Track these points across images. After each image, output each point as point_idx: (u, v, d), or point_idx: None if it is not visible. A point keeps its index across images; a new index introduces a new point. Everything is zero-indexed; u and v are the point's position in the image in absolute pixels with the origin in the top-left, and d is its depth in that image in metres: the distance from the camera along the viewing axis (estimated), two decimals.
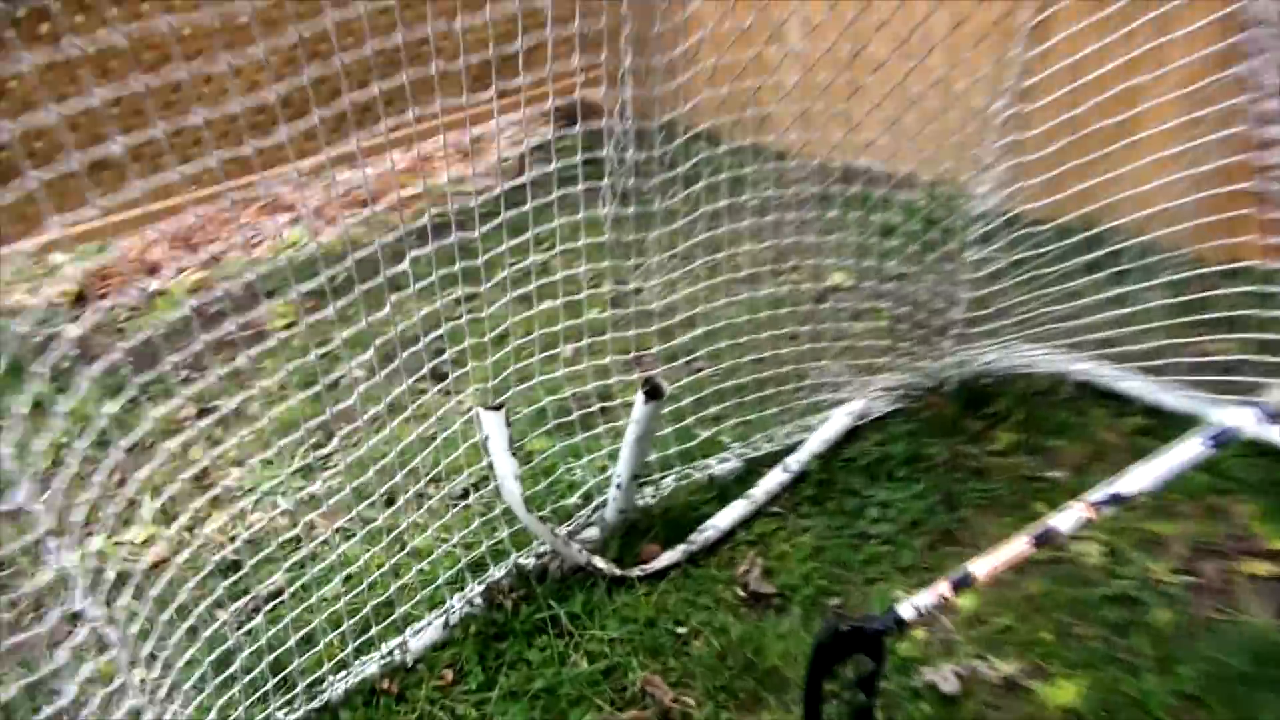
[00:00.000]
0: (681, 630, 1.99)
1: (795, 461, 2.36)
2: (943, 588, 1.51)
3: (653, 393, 1.89)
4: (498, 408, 1.92)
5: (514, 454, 1.94)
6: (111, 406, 1.58)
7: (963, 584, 1.50)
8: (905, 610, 1.53)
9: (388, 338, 1.89)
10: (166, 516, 2.57)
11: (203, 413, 2.98)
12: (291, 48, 1.50)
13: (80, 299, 4.01)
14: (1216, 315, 2.24)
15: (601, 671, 1.91)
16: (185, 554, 2.04)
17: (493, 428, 1.92)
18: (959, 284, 2.51)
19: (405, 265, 1.81)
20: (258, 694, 1.80)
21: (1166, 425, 2.36)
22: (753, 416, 2.45)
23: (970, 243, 2.45)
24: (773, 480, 2.33)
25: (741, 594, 2.08)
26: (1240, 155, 2.28)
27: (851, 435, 2.48)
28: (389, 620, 1.96)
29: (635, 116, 2.25)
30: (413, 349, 1.93)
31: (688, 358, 2.40)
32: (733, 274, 2.40)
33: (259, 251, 4.40)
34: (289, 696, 1.83)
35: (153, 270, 4.31)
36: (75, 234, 3.88)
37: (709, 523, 2.22)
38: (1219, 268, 2.25)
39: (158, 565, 2.45)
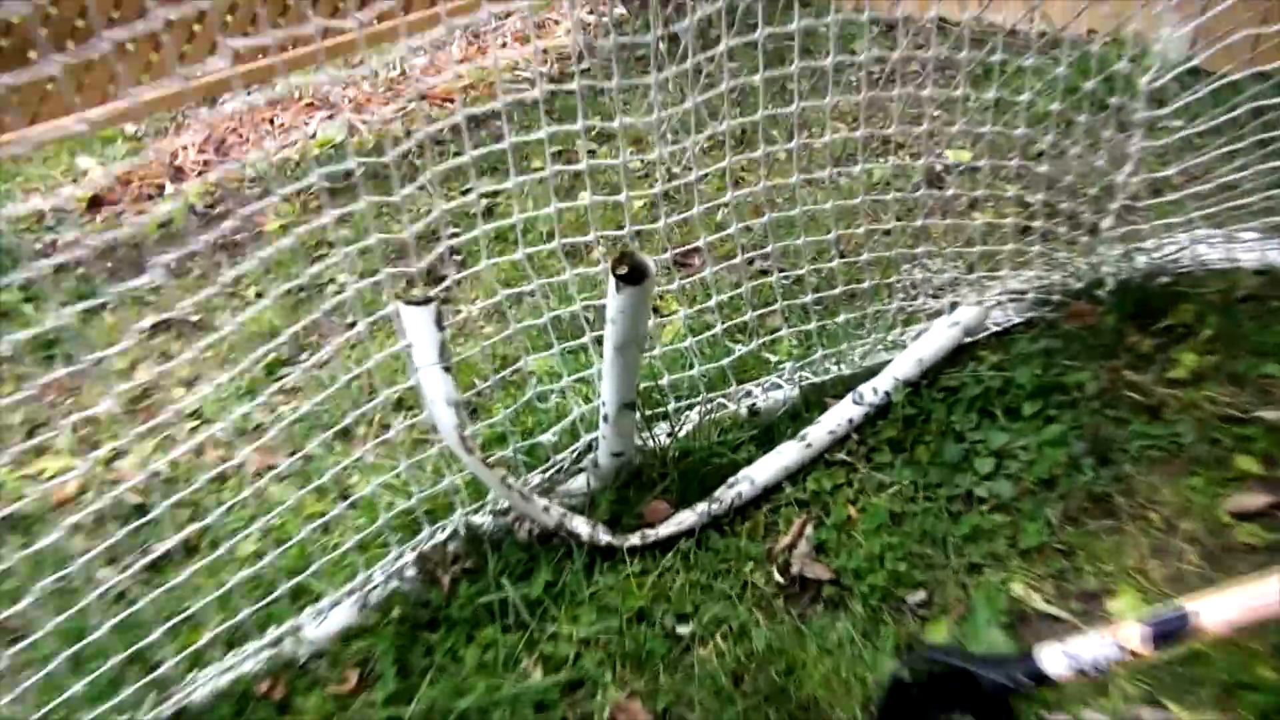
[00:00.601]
0: (683, 631, 1.36)
1: (873, 389, 1.67)
2: (1131, 635, 0.82)
3: (632, 275, 1.23)
4: (425, 301, 1.31)
5: (448, 368, 1.34)
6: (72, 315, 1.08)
7: (1173, 634, 0.79)
8: (1053, 661, 0.85)
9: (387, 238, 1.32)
10: (87, 445, 2.12)
11: (161, 325, 2.52)
12: None
13: (95, 203, 3.63)
14: None
15: (560, 687, 1.31)
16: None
17: (418, 330, 1.32)
18: (1125, 142, 1.72)
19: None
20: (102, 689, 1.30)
21: None
22: (815, 325, 1.76)
23: (1145, 85, 1.66)
24: (839, 415, 1.65)
25: (779, 579, 1.43)
26: None
27: (957, 356, 1.76)
28: (269, 596, 1.41)
29: None
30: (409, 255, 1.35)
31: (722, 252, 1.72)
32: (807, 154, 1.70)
33: (290, 152, 3.92)
34: (118, 701, 1.31)
35: (177, 174, 3.90)
36: (112, 114, 3.38)
37: (743, 473, 1.57)
38: None
39: (62, 505, 2.00)
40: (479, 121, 3.20)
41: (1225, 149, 1.71)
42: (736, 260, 1.69)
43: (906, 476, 1.55)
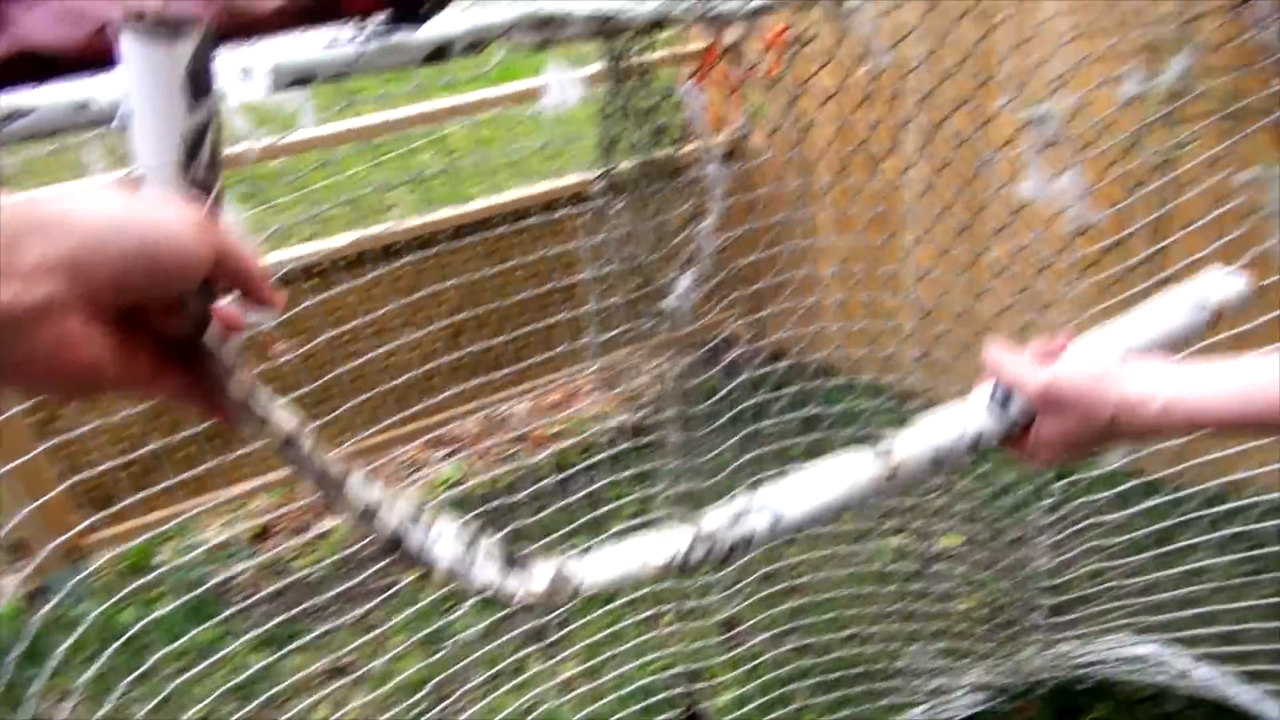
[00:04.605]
0: None
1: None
2: None
3: None
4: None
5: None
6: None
7: None
8: None
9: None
10: None
11: (334, 673, 3.20)
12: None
13: (262, 536, 4.45)
14: None
15: None
16: None
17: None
18: (1039, 562, 2.37)
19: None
20: None
21: None
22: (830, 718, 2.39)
23: (1048, 509, 2.30)
24: (955, 427, 0.91)
25: None
26: None
27: None
28: None
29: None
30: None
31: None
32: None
33: (414, 489, 4.75)
34: None
35: (320, 511, 4.73)
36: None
37: (759, 499, 0.89)
38: None
39: None
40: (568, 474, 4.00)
41: (1130, 575, 2.34)
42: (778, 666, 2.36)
43: None
